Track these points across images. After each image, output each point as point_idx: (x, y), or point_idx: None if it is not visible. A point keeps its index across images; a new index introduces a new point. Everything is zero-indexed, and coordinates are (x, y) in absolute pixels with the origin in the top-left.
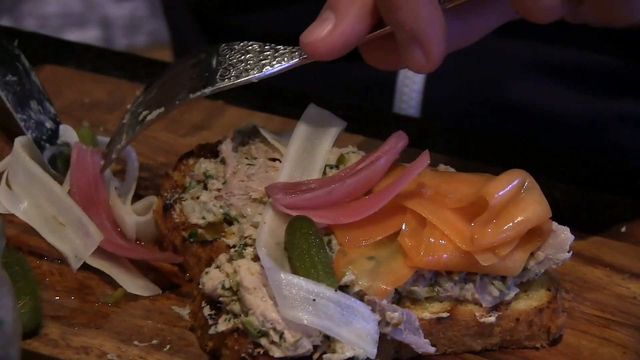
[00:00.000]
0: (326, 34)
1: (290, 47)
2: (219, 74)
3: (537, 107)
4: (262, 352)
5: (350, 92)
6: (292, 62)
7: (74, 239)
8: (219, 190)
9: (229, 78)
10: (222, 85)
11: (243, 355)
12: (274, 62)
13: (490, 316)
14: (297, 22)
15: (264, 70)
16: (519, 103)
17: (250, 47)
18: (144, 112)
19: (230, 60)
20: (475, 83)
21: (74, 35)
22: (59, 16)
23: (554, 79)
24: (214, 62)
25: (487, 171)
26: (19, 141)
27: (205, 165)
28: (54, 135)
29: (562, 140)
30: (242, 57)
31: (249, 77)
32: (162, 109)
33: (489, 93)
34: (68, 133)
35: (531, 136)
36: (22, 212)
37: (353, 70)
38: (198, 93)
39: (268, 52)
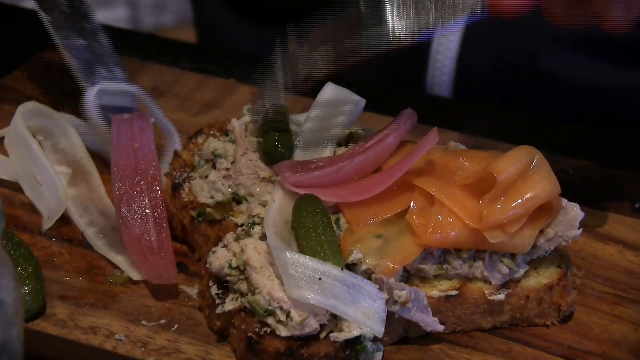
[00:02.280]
0: None
1: None
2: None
3: (569, 79)
4: (268, 331)
5: (383, 61)
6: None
7: (49, 198)
8: (227, 169)
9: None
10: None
11: (250, 334)
12: (457, 16)
13: (500, 294)
14: None
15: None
16: (552, 74)
17: None
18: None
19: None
20: (509, 52)
21: (101, 15)
22: None
23: (587, 52)
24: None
25: (500, 147)
26: (23, 106)
27: (214, 144)
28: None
29: (592, 111)
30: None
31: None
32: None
33: (522, 63)
34: None
35: (562, 107)
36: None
37: None
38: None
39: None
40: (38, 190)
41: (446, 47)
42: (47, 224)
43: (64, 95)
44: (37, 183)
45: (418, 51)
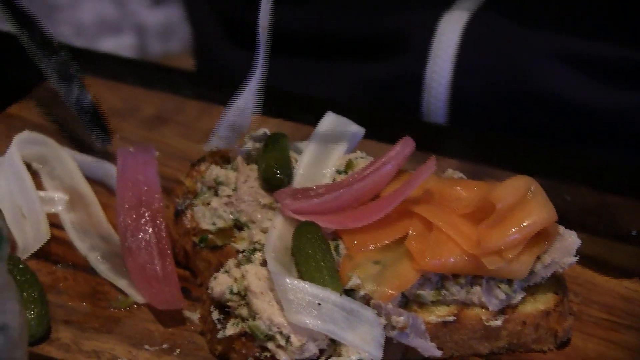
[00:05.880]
0: None
1: None
2: None
3: (564, 99)
4: (269, 355)
5: (378, 89)
6: None
7: (29, 232)
8: (229, 196)
9: None
10: None
11: (250, 359)
12: None
13: (497, 319)
14: (321, 19)
15: None
16: (547, 95)
17: None
18: None
19: None
20: (503, 75)
21: (109, 43)
22: (94, 24)
23: (582, 71)
24: None
25: (498, 174)
26: (18, 136)
27: (216, 171)
28: (93, 114)
29: (588, 131)
30: None
31: None
32: None
33: (517, 85)
34: None
35: (558, 127)
36: None
37: (380, 67)
38: None
39: None
40: (20, 222)
41: (439, 74)
42: (23, 254)
43: (70, 124)
44: (22, 215)
45: (412, 79)
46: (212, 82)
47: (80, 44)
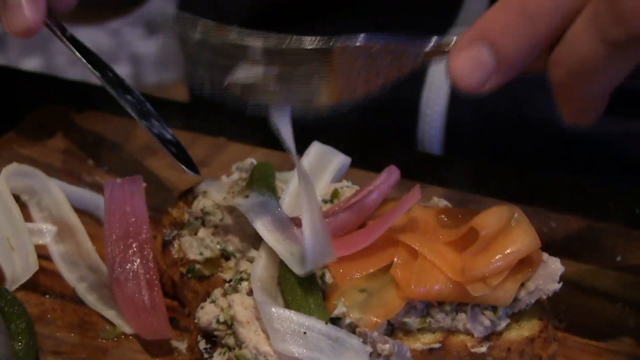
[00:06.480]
0: (484, 77)
1: None
2: None
3: (557, 126)
4: None
5: (373, 116)
6: None
7: (17, 263)
8: (216, 226)
9: None
10: None
11: None
12: None
13: (482, 346)
14: None
15: None
16: (540, 121)
17: None
18: None
19: None
20: (496, 102)
21: None
22: None
23: None
24: None
25: (484, 202)
26: (6, 168)
27: (203, 202)
28: (176, 147)
29: (581, 157)
30: None
31: None
32: None
33: (510, 112)
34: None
35: (551, 154)
36: None
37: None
38: None
39: None
40: (8, 254)
41: (434, 102)
42: (11, 286)
43: (59, 154)
44: (10, 247)
45: (408, 107)
46: (201, 113)
47: (75, 74)
